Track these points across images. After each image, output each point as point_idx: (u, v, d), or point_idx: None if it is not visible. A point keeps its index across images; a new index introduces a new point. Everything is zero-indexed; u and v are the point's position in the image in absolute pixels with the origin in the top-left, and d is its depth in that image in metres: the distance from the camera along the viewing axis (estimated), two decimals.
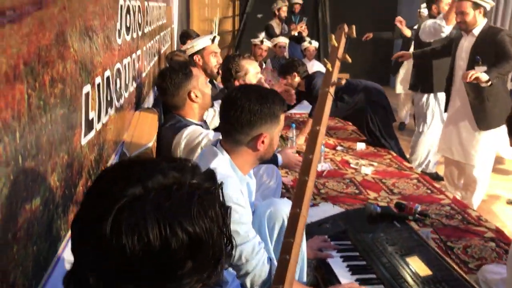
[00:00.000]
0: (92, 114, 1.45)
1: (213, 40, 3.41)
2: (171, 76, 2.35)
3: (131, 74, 2.26)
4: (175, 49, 5.53)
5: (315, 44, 6.49)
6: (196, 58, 3.37)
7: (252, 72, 3.05)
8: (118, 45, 1.87)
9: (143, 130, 2.21)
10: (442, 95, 4.60)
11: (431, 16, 4.75)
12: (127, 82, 2.14)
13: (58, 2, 1.09)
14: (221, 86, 3.79)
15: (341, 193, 3.28)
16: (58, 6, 1.09)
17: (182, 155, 2.21)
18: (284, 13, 7.35)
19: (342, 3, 11.23)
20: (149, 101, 3.11)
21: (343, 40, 1.37)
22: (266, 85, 4.74)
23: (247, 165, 1.71)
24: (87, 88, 1.37)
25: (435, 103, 4.65)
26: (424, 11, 6.36)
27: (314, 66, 6.46)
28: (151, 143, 2.09)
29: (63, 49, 1.13)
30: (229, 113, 1.65)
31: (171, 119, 2.40)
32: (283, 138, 4.28)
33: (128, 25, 2.08)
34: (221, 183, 0.80)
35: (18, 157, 0.88)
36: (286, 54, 6.75)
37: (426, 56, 4.45)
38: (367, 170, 3.70)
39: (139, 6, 2.42)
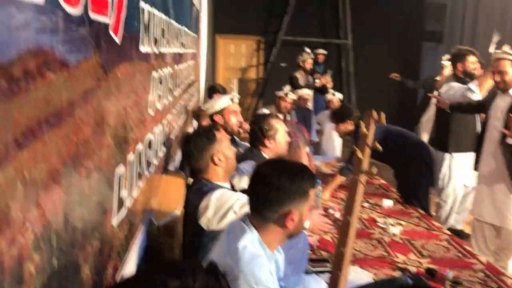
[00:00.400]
0: (124, 192, 1.45)
1: (232, 100, 3.48)
2: (195, 140, 2.37)
3: (161, 140, 2.28)
4: (202, 102, 5.62)
5: (339, 95, 6.52)
6: (217, 117, 3.46)
7: (281, 132, 3.07)
8: (150, 116, 1.90)
9: (171, 196, 2.20)
10: (458, 156, 4.56)
11: (456, 77, 4.65)
12: (157, 149, 2.16)
13: (98, 92, 1.11)
14: (243, 143, 3.81)
15: (369, 256, 3.18)
16: (97, 97, 1.11)
17: (213, 221, 2.18)
18: (309, 65, 7.46)
19: (365, 53, 11.34)
20: (177, 159, 3.12)
21: (373, 127, 1.35)
22: (293, 141, 4.75)
23: (276, 242, 1.68)
24: (120, 169, 1.37)
25: (452, 162, 4.59)
26: (446, 63, 6.34)
27: None
28: (178, 211, 2.08)
29: (100, 138, 1.15)
30: (258, 189, 1.63)
31: (197, 183, 2.40)
32: None
33: (160, 93, 2.12)
34: (224, 276, 0.77)
35: (54, 262, 0.87)
36: (310, 105, 6.79)
37: (462, 109, 4.38)
38: (395, 230, 3.60)
39: (170, 72, 2.47)
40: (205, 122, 4.21)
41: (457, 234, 4.64)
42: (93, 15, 1.07)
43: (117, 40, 1.29)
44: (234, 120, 3.46)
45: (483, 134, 3.87)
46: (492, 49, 4.03)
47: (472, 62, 4.43)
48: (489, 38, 9.92)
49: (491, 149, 3.77)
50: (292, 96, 5.81)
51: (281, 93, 5.76)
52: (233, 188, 2.51)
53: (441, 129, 4.64)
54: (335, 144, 6.54)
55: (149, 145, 1.93)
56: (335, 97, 6.43)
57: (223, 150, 2.38)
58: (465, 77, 4.49)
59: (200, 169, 2.40)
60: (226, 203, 2.20)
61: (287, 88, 5.79)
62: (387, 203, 4.23)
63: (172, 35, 2.53)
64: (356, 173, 1.25)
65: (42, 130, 0.80)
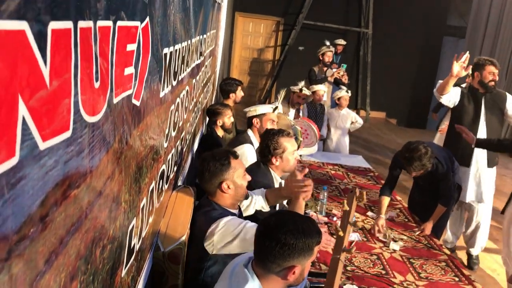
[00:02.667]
0: (135, 241, 1.50)
1: (274, 110, 3.68)
2: (209, 163, 2.38)
3: (173, 163, 2.32)
4: (217, 96, 5.62)
5: (344, 93, 6.40)
6: (255, 120, 3.76)
7: (290, 150, 3.09)
8: (164, 148, 1.93)
9: (178, 219, 2.25)
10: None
11: (471, 86, 4.55)
12: (169, 175, 2.19)
13: (116, 171, 1.15)
14: None
15: (367, 273, 3.24)
16: (116, 174, 1.15)
17: (217, 246, 2.22)
18: (328, 58, 7.35)
19: (384, 43, 11.19)
20: (187, 166, 3.16)
21: (355, 205, 1.39)
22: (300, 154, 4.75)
23: None
24: (132, 224, 1.42)
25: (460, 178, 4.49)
26: None
27: (349, 114, 6.44)
28: (184, 236, 2.13)
29: (115, 212, 1.19)
30: (264, 243, 1.67)
31: (206, 205, 2.41)
32: (315, 198, 4.29)
33: (175, 121, 2.14)
34: None
35: None
36: (325, 100, 6.73)
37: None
38: (396, 246, 3.65)
39: (187, 90, 2.48)
40: (220, 120, 4.25)
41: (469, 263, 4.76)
42: (116, 99, 1.10)
43: (138, 103, 1.32)
44: (270, 127, 3.63)
45: None
46: None
47: (489, 72, 4.29)
48: None
49: None
50: (306, 92, 5.79)
51: (295, 88, 5.75)
52: (240, 214, 2.55)
53: (450, 141, 4.61)
54: (342, 141, 6.55)
55: (162, 175, 1.97)
56: (344, 94, 6.30)
57: (234, 178, 2.37)
58: (480, 88, 4.38)
59: (209, 191, 2.42)
60: (233, 230, 2.22)
61: (301, 83, 5.76)
62: (391, 213, 4.27)
63: (192, 53, 2.54)
64: (337, 252, 1.30)
65: (63, 244, 0.85)
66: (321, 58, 7.39)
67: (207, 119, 4.47)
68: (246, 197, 2.50)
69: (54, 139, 0.74)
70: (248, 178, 2.44)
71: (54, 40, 0.67)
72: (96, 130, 0.95)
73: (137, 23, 1.19)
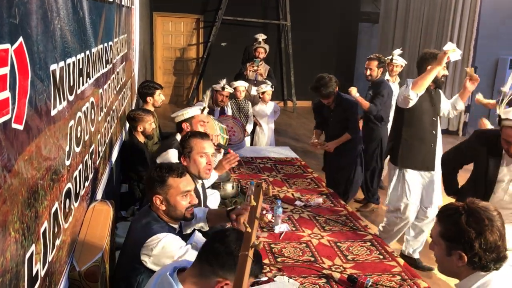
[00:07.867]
0: (37, 267, 1.45)
1: (202, 110, 3.67)
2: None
3: (84, 177, 2.24)
4: (136, 102, 5.51)
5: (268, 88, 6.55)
6: (185, 125, 3.66)
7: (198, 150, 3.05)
8: (67, 167, 1.87)
9: (94, 235, 2.18)
10: (412, 173, 4.35)
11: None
12: (78, 191, 2.13)
13: None
14: None
15: (297, 262, 3.32)
16: None
17: (151, 261, 2.20)
18: (258, 53, 7.27)
19: (304, 34, 11.44)
20: (104, 178, 3.07)
21: (261, 199, 1.43)
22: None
23: None
24: (30, 251, 1.37)
25: (404, 178, 4.38)
26: (397, 59, 6.40)
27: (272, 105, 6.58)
28: (101, 252, 2.08)
29: (3, 244, 1.14)
30: (219, 253, 1.67)
31: (146, 215, 2.33)
32: (243, 193, 4.34)
33: (78, 136, 2.07)
34: None
35: None
36: (256, 95, 6.79)
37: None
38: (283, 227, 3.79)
39: (92, 102, 2.41)
40: (140, 126, 4.17)
41: (414, 264, 4.50)
42: None
43: (21, 127, 1.27)
44: (201, 130, 3.59)
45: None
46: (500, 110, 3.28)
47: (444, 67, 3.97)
48: (420, 18, 10.12)
49: None
50: (228, 90, 5.81)
51: (217, 87, 5.75)
52: (180, 230, 2.49)
53: (394, 138, 4.44)
54: (271, 134, 6.67)
55: (68, 194, 1.91)
56: (268, 89, 6.51)
57: (168, 196, 2.27)
58: (432, 84, 4.04)
59: (149, 201, 2.35)
60: (173, 254, 2.17)
61: (223, 81, 5.77)
62: (317, 200, 4.40)
63: (95, 62, 2.46)
64: (245, 249, 1.32)
65: None
66: (255, 55, 7.38)
67: (127, 125, 4.38)
68: (189, 219, 2.38)
69: None
70: (193, 201, 2.33)
71: None
72: None
73: (6, 46, 1.14)
